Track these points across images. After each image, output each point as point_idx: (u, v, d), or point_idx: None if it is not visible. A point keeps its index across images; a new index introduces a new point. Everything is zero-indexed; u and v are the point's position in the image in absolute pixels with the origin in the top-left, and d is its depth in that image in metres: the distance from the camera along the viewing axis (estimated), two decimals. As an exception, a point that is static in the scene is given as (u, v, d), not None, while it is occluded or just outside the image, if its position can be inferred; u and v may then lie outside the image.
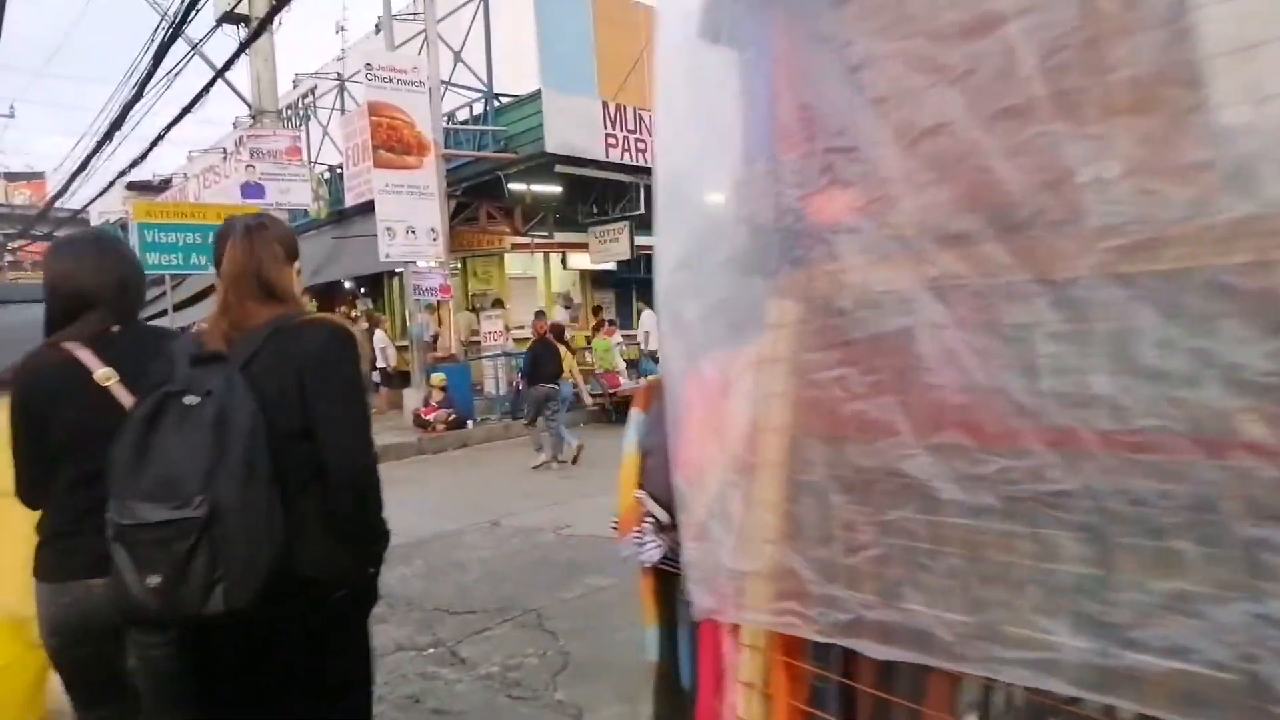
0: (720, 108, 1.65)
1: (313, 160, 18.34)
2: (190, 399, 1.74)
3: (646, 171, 15.17)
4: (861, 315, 1.39)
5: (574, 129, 13.92)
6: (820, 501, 1.44)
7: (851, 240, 1.40)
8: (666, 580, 2.23)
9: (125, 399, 1.96)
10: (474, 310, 16.17)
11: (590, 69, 16.46)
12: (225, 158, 23.95)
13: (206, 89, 12.39)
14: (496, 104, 14.57)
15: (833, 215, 1.45)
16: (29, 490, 2.06)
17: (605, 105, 14.48)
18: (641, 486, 2.27)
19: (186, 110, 12.78)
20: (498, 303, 15.85)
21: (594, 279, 18.47)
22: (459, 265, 15.58)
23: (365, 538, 1.98)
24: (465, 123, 14.86)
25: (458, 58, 14.67)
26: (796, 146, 1.49)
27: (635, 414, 2.37)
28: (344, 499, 1.89)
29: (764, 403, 1.53)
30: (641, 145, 14.90)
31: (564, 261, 18.10)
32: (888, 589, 1.34)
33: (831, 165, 1.42)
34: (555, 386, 9.88)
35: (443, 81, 13.74)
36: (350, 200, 14.64)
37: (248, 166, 12.47)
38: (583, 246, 16.79)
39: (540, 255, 17.96)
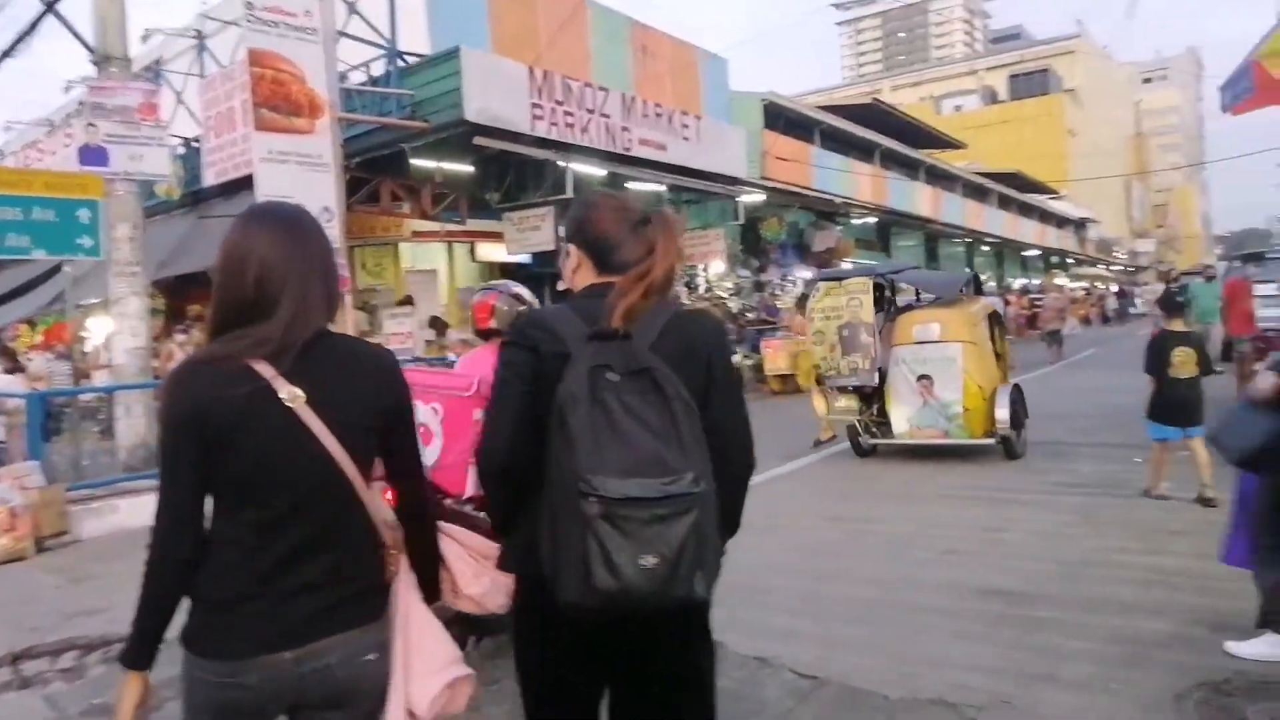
0: None
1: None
2: (613, 376, 1.68)
3: (576, 150, 13.28)
4: None
5: (496, 95, 11.86)
6: None
7: None
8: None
9: (316, 426, 1.65)
10: (366, 309, 13.83)
11: (483, 33, 14.45)
12: (51, 131, 20.38)
13: (35, 25, 9.66)
14: (401, 64, 12.31)
15: None
16: (192, 533, 1.65)
17: (531, 71, 12.46)
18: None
19: (6, 54, 9.99)
20: (406, 300, 13.55)
21: (503, 272, 16.37)
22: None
23: (733, 531, 1.94)
24: (364, 84, 12.51)
25: (352, 9, 12.33)
26: None
27: None
28: (736, 490, 1.91)
29: None
30: (570, 119, 12.98)
31: (473, 252, 15.92)
32: None
33: None
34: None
35: (339, 32, 11.37)
36: (210, 178, 12.08)
37: (88, 125, 9.80)
38: (495, 235, 14.69)
39: (443, 246, 15.71)
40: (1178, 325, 6.77)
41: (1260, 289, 11.50)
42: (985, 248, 39.42)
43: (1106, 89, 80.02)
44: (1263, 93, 5.99)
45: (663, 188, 16.25)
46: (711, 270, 20.24)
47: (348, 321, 12.60)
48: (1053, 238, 47.59)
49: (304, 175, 10.45)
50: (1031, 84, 68.41)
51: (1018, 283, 39.84)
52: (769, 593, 4.89)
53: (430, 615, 1.83)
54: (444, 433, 3.20)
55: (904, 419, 8.72)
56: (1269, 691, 3.36)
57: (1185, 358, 6.41)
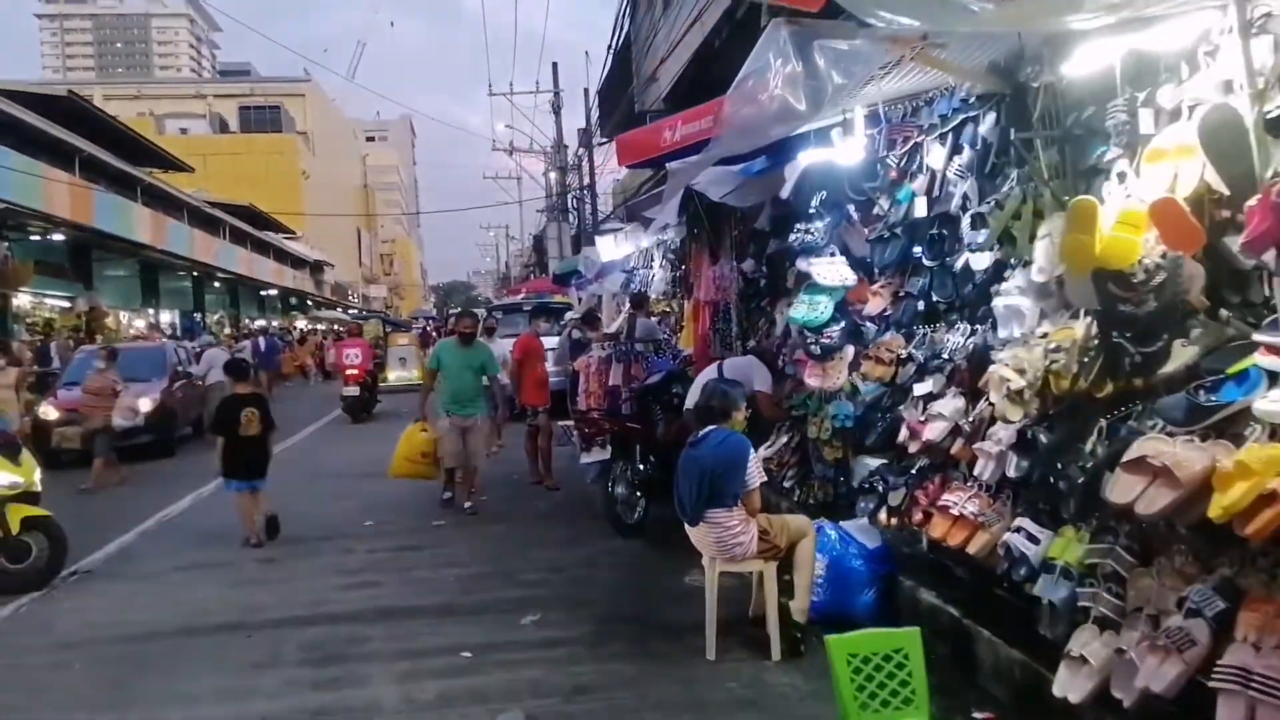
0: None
1: None
2: None
3: None
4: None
5: None
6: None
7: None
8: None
9: None
10: None
11: None
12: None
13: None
14: None
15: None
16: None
17: None
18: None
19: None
20: None
21: None
22: None
23: None
24: None
25: None
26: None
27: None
28: None
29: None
30: None
31: None
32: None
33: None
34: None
35: None
36: None
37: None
38: None
39: None
40: (243, 388, 7.57)
41: (548, 342, 10.08)
42: (218, 284, 35.05)
43: (336, 138, 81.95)
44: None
45: None
46: None
47: None
48: (290, 278, 45.28)
49: None
50: (263, 119, 65.91)
51: (257, 323, 36.32)
52: None
53: None
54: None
55: (394, 376, 20.37)
56: None
57: (252, 417, 7.17)
